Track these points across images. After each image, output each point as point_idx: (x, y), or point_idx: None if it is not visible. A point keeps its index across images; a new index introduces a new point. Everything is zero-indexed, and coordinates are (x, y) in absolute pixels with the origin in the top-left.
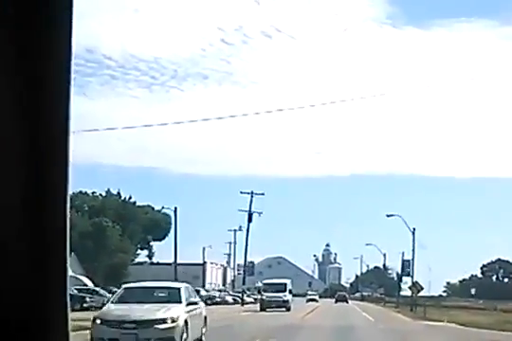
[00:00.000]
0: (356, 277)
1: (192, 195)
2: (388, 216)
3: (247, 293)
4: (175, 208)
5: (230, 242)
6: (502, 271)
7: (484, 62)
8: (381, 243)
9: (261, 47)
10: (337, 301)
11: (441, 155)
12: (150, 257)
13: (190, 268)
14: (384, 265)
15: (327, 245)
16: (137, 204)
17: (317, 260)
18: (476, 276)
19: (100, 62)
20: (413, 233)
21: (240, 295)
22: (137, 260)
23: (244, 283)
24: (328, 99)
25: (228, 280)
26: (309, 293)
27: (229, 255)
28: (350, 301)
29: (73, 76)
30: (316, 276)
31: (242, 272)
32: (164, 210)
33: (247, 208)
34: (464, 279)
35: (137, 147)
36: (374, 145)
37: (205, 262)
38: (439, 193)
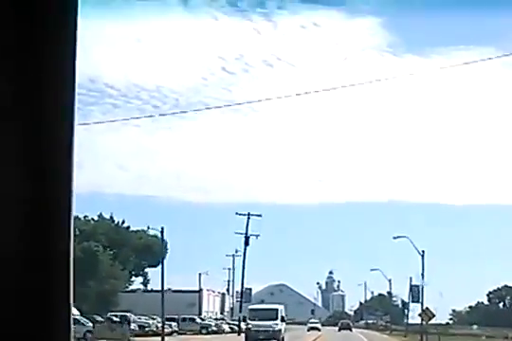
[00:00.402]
0: (360, 304)
1: (190, 222)
2: (395, 238)
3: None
4: (162, 229)
5: (229, 268)
6: (508, 298)
7: (482, 90)
8: (386, 269)
9: (262, 76)
10: (340, 329)
11: (440, 182)
12: (145, 284)
13: (185, 296)
14: (389, 292)
15: (330, 273)
16: (131, 228)
17: (320, 287)
18: (483, 303)
19: (103, 92)
20: (423, 256)
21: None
22: (132, 287)
23: (240, 311)
24: (329, 128)
25: (227, 308)
26: (311, 321)
27: (228, 281)
28: (354, 329)
29: (77, 105)
30: (319, 303)
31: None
32: (155, 233)
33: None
34: (470, 307)
35: (139, 175)
36: (371, 173)
37: (201, 289)
38: (440, 220)
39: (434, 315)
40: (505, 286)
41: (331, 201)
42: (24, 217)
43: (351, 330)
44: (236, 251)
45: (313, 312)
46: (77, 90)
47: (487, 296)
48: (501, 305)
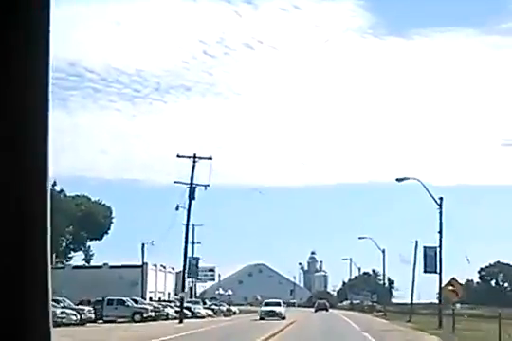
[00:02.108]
0: (344, 283)
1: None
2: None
3: (207, 303)
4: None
5: (193, 242)
6: (501, 275)
7: (467, 71)
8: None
9: (243, 59)
10: (316, 310)
11: (425, 163)
12: (87, 260)
13: (126, 272)
14: (373, 270)
15: (312, 253)
16: (68, 194)
17: (302, 268)
18: (472, 281)
19: (82, 76)
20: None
21: (190, 306)
22: (72, 263)
23: (183, 288)
24: (311, 110)
25: (187, 289)
26: (266, 301)
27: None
28: (336, 310)
29: (51, 89)
30: (302, 284)
31: (200, 277)
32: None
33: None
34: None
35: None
36: (353, 155)
37: (144, 264)
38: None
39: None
40: (498, 262)
41: (315, 183)
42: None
43: (327, 310)
44: (177, 206)
45: (292, 292)
46: (55, 74)
47: (479, 272)
48: (493, 283)
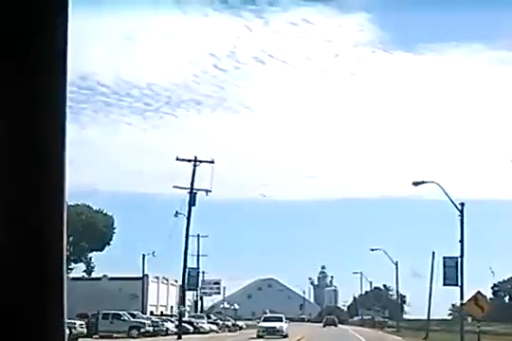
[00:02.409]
0: (354, 299)
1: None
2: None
3: (212, 318)
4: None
5: (198, 255)
6: None
7: (475, 86)
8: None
9: (253, 73)
10: (325, 325)
11: (432, 178)
12: (89, 272)
13: (126, 285)
14: (385, 285)
15: (323, 268)
16: (69, 203)
17: (312, 283)
18: (485, 296)
19: (94, 89)
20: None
21: (193, 320)
22: (71, 275)
23: (183, 303)
24: (321, 124)
25: (190, 302)
26: (265, 316)
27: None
28: (347, 326)
29: (68, 103)
30: (312, 299)
31: (205, 290)
32: (100, 208)
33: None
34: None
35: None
36: (363, 170)
37: (145, 275)
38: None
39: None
40: None
41: (324, 197)
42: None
43: (336, 325)
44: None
45: (301, 307)
46: (68, 88)
47: (492, 288)
48: (506, 299)
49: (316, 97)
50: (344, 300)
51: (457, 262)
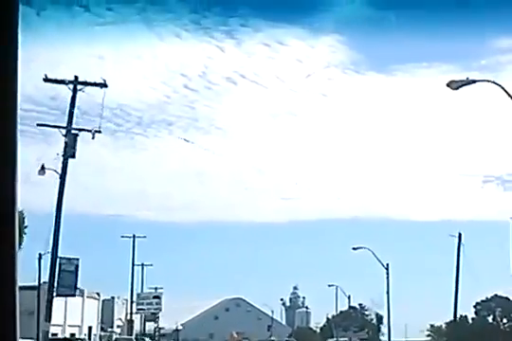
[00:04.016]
0: (327, 319)
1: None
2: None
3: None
4: None
5: (142, 265)
6: (499, 309)
7: (447, 106)
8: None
9: (225, 93)
10: None
11: (409, 199)
12: None
13: (24, 295)
14: (360, 305)
15: (295, 288)
16: None
17: (284, 304)
18: (466, 317)
19: (64, 110)
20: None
21: None
22: None
23: (131, 320)
24: (293, 145)
25: (120, 321)
26: None
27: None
28: None
29: (19, 120)
30: (283, 321)
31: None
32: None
33: None
34: (451, 321)
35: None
36: (337, 191)
37: (42, 284)
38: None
39: None
40: (496, 296)
41: (297, 218)
42: None
43: None
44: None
45: (269, 328)
46: (37, 108)
47: (474, 307)
48: (490, 318)
49: (287, 117)
50: (317, 322)
51: None
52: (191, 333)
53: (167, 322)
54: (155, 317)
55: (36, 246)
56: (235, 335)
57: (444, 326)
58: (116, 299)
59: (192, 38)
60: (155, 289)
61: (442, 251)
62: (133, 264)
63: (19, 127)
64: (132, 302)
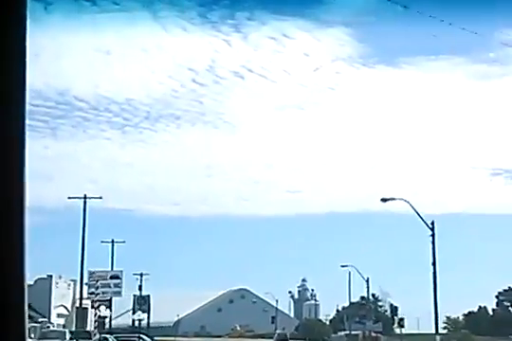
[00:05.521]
0: (337, 311)
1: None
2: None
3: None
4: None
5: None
6: None
7: (455, 99)
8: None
9: (233, 87)
10: None
11: (413, 192)
12: None
13: None
14: (373, 295)
15: (303, 280)
16: None
17: (292, 296)
18: (485, 307)
19: (72, 104)
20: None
21: None
22: None
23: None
24: (300, 139)
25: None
26: None
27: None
28: None
29: (27, 113)
30: (292, 314)
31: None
32: None
33: None
34: (470, 312)
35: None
36: (345, 184)
37: None
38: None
39: None
40: None
41: (307, 212)
42: None
43: None
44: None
45: (274, 319)
46: (45, 103)
47: (496, 297)
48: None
49: (295, 111)
50: (326, 314)
51: None
52: (190, 327)
53: (166, 315)
54: (108, 303)
55: None
56: (238, 328)
57: (461, 318)
58: (55, 279)
59: (199, 31)
60: (112, 268)
61: (454, 244)
62: (83, 238)
63: (27, 122)
64: (82, 284)
